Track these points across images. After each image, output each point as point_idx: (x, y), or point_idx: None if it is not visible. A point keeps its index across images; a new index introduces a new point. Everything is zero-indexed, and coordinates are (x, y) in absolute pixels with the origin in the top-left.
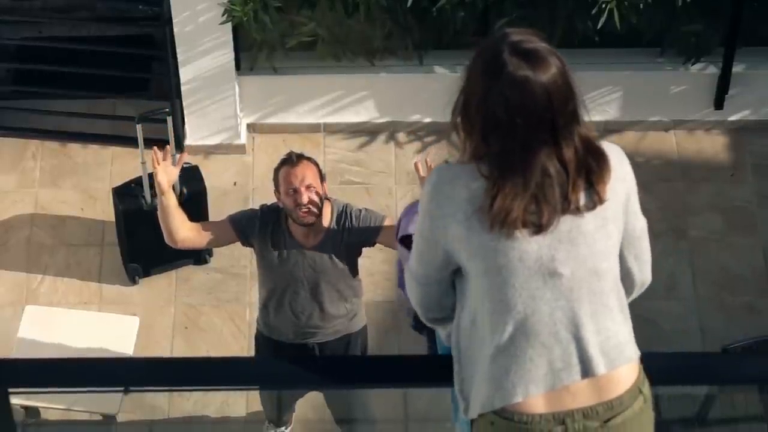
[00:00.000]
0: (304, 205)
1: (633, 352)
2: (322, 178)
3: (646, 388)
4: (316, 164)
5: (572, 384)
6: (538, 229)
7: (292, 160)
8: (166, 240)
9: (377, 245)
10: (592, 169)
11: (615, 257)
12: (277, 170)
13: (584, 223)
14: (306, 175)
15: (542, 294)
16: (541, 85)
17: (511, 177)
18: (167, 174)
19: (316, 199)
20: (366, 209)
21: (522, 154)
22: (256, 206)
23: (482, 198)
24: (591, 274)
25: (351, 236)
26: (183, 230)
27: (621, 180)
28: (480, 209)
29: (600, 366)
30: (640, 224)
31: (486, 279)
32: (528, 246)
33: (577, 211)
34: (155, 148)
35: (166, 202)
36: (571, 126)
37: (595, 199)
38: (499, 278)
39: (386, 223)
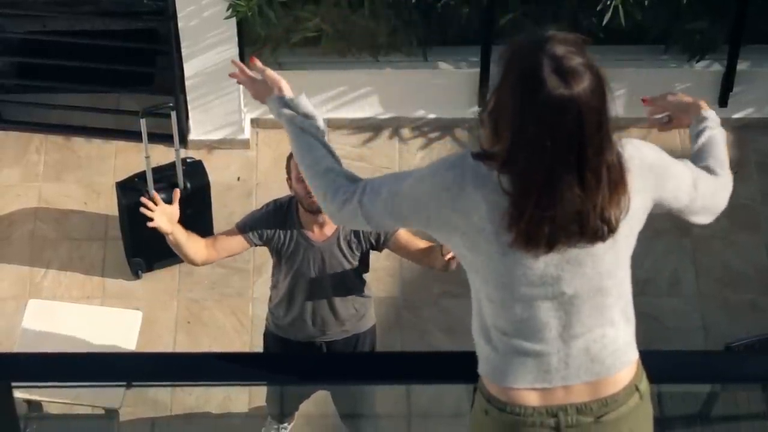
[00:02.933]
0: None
1: (631, 355)
2: None
3: (643, 385)
4: None
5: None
6: (548, 250)
7: None
8: (186, 260)
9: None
10: (611, 200)
11: (624, 269)
12: (289, 157)
13: (594, 247)
14: None
15: (541, 304)
16: (576, 108)
17: (532, 198)
18: (166, 215)
19: None
20: None
21: (547, 176)
22: (260, 201)
23: (499, 217)
24: (595, 291)
25: (364, 234)
26: (200, 254)
27: (640, 191)
28: (496, 228)
29: (592, 374)
30: (686, 184)
31: (486, 285)
32: (534, 264)
33: (591, 238)
34: (143, 199)
35: (174, 240)
36: (600, 153)
37: (607, 230)
38: (500, 288)
39: None
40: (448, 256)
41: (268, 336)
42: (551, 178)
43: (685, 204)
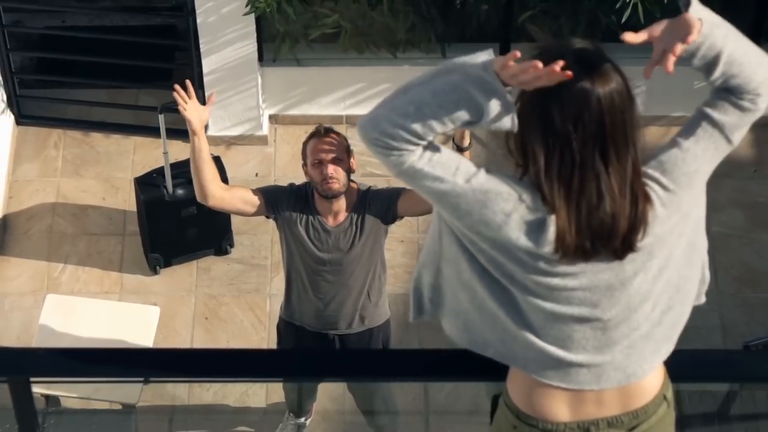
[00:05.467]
0: (330, 177)
1: (658, 360)
2: (350, 153)
3: (670, 393)
4: (345, 139)
5: (597, 392)
6: (583, 261)
7: (320, 132)
8: (198, 195)
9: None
10: (636, 215)
11: (660, 290)
12: (305, 143)
13: (626, 268)
14: (333, 147)
15: (567, 318)
16: (597, 99)
17: (567, 200)
18: (198, 112)
19: (342, 170)
20: (388, 186)
21: (579, 172)
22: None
23: (535, 228)
24: (632, 311)
25: (373, 209)
26: (215, 185)
27: (669, 215)
28: (528, 242)
29: (615, 382)
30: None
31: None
32: (563, 281)
33: (614, 252)
34: (177, 86)
35: (198, 144)
36: (625, 157)
37: (627, 246)
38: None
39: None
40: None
41: (280, 327)
42: (584, 177)
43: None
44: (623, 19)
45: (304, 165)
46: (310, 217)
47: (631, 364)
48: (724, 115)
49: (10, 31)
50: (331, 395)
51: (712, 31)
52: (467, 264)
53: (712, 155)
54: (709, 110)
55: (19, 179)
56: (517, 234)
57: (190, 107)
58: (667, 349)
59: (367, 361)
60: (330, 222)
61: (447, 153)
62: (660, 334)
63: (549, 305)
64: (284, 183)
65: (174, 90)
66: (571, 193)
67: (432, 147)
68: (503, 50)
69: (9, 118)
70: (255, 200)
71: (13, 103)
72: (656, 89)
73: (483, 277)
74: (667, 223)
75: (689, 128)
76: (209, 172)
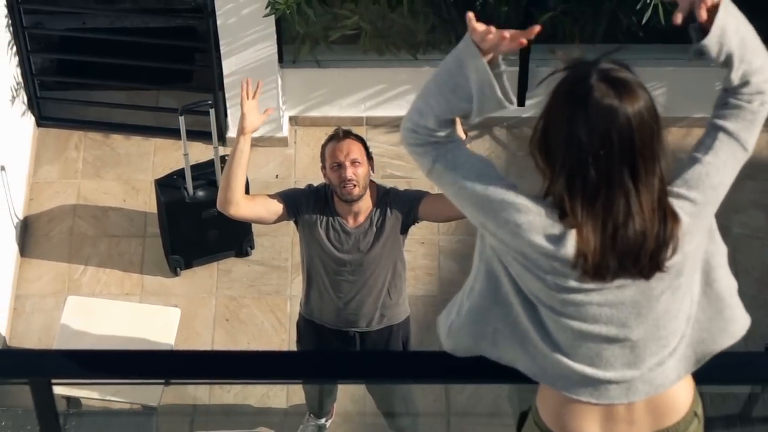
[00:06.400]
0: (348, 180)
1: (687, 371)
2: (369, 156)
3: (700, 409)
4: (364, 142)
5: (628, 410)
6: (610, 280)
7: (338, 135)
8: (221, 201)
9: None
10: (664, 233)
11: (688, 308)
12: (324, 146)
13: (653, 286)
14: (351, 150)
15: (594, 337)
16: (626, 116)
17: (592, 223)
18: (255, 113)
19: (361, 174)
20: (409, 189)
21: (605, 191)
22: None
23: (561, 248)
24: (660, 329)
25: (393, 211)
26: (241, 193)
27: (695, 234)
28: (555, 261)
29: (643, 394)
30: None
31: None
32: (588, 300)
33: (641, 271)
34: (248, 79)
35: (242, 146)
36: (653, 171)
37: (654, 265)
38: (551, 319)
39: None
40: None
41: (300, 325)
42: (610, 194)
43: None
44: (643, 21)
45: (323, 168)
46: (330, 219)
47: (659, 377)
48: (734, 122)
49: (30, 33)
50: (352, 396)
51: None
52: (507, 279)
53: (732, 165)
54: (718, 121)
55: (40, 181)
56: (536, 248)
57: (249, 105)
58: (697, 360)
59: (387, 362)
60: (350, 223)
61: (475, 157)
62: (690, 350)
63: (576, 324)
64: (303, 185)
65: (242, 81)
66: (595, 210)
67: (459, 148)
68: (523, 52)
69: (30, 119)
70: (276, 208)
71: (33, 105)
72: (677, 90)
73: (519, 294)
74: (695, 241)
75: (704, 142)
76: (241, 179)
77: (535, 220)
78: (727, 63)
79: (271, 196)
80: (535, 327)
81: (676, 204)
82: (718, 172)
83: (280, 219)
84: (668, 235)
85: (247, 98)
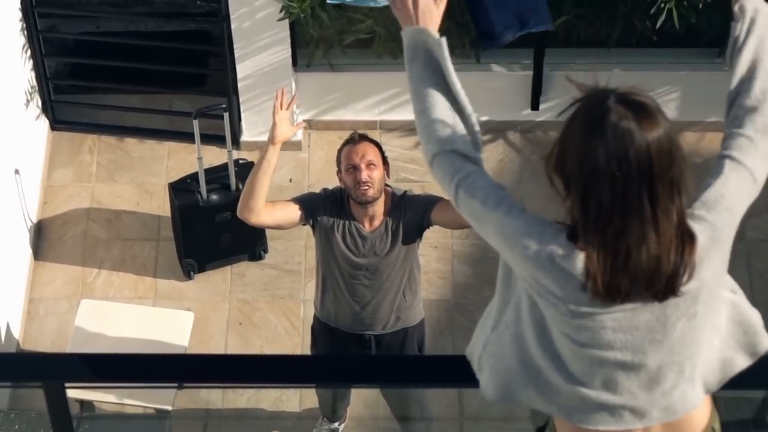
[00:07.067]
0: (364, 183)
1: (703, 394)
2: (385, 160)
3: (718, 425)
4: (379, 146)
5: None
6: (621, 303)
7: (354, 139)
8: (242, 209)
9: (436, 247)
10: (682, 258)
11: (708, 335)
12: (339, 150)
13: (669, 312)
14: (367, 152)
15: (606, 364)
16: (644, 140)
17: (604, 241)
18: (286, 123)
19: (376, 177)
20: (424, 192)
21: (620, 214)
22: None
23: (576, 274)
24: (675, 354)
25: (407, 215)
26: (263, 201)
27: (713, 259)
28: (569, 287)
29: (658, 420)
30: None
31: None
32: (602, 326)
33: (655, 294)
34: (283, 89)
35: (269, 155)
36: (671, 197)
37: (670, 290)
38: (564, 345)
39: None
40: None
41: (315, 327)
42: (625, 218)
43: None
44: (657, 25)
45: (339, 172)
46: (346, 223)
47: (677, 402)
48: (741, 153)
49: (45, 37)
50: (365, 401)
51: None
52: (526, 310)
53: (744, 193)
54: (727, 152)
55: (54, 184)
56: (547, 272)
57: (281, 115)
58: (715, 383)
59: (400, 367)
60: (366, 227)
61: (491, 182)
62: (706, 376)
63: (591, 351)
64: (317, 188)
65: (277, 91)
66: (607, 233)
67: (478, 173)
68: (537, 56)
69: (44, 123)
70: (295, 214)
71: (47, 109)
72: (691, 94)
73: (536, 327)
74: (712, 267)
75: (716, 171)
76: (264, 188)
77: (546, 244)
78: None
79: (289, 202)
80: (551, 360)
81: (696, 227)
82: (731, 194)
83: (296, 224)
84: (684, 260)
85: (280, 108)
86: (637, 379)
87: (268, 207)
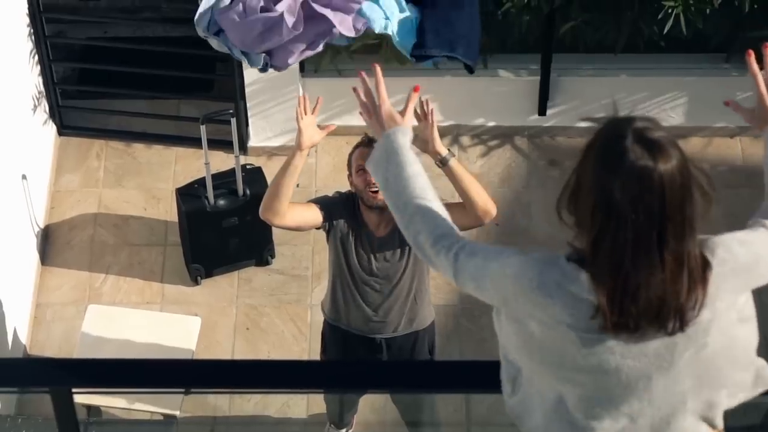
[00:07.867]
0: (374, 183)
1: (708, 425)
2: None
3: None
4: None
5: None
6: (629, 337)
7: (365, 141)
8: (266, 211)
9: None
10: (689, 294)
11: (721, 366)
12: (351, 153)
13: (678, 341)
14: None
15: (623, 399)
16: (659, 176)
17: (619, 283)
18: (312, 128)
19: None
20: None
21: (632, 253)
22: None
23: (585, 310)
24: (677, 384)
25: None
26: (287, 204)
27: (729, 291)
28: (578, 323)
29: None
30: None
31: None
32: (612, 359)
33: (664, 329)
34: (304, 95)
35: (296, 161)
36: (681, 238)
37: (679, 325)
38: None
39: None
40: None
41: (326, 332)
42: (636, 256)
43: None
44: (665, 30)
45: (350, 175)
46: (359, 229)
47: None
48: None
49: (52, 42)
50: (372, 406)
51: None
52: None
53: None
54: (760, 218)
55: (61, 190)
56: (554, 301)
57: (306, 121)
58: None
59: (408, 372)
60: (378, 233)
61: (487, 245)
62: (714, 412)
63: (598, 377)
64: (325, 193)
65: (299, 97)
66: (620, 269)
67: (471, 241)
68: (544, 61)
69: (51, 128)
70: (315, 217)
71: (55, 114)
72: (698, 100)
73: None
74: (727, 299)
75: (751, 228)
76: (290, 191)
77: (552, 272)
78: None
79: (311, 204)
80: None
81: (719, 254)
82: (763, 245)
83: (315, 226)
84: (696, 296)
85: (304, 113)
86: (639, 408)
87: (291, 209)
